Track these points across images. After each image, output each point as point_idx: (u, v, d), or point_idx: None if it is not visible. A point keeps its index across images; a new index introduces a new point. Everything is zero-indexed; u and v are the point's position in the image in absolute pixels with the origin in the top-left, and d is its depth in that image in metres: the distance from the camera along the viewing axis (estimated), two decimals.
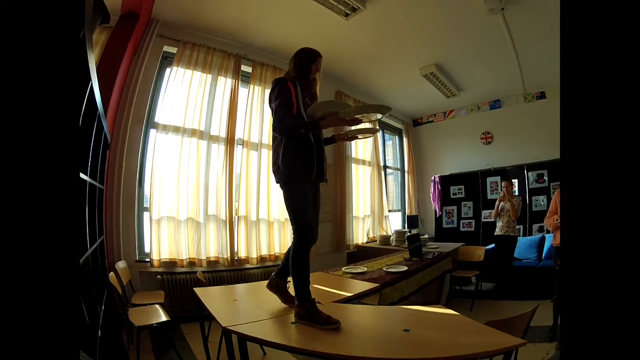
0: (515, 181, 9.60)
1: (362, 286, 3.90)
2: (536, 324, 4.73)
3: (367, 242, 8.95)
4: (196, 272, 5.26)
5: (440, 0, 5.96)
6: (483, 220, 9.98)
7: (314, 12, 5.84)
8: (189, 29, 6.07)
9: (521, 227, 9.04)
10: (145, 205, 5.62)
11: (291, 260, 2.83)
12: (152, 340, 4.59)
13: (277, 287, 3.11)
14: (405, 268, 4.81)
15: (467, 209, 10.43)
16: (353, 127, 3.16)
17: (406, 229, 8.92)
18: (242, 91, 6.58)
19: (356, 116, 2.90)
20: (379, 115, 3.10)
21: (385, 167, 10.64)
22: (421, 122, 11.82)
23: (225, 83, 6.33)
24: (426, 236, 8.51)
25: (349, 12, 5.91)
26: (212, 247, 5.99)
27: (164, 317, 3.91)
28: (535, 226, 8.78)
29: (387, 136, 11.14)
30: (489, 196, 9.94)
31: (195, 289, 3.64)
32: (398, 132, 11.42)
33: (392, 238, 8.45)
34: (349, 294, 3.57)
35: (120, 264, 4.88)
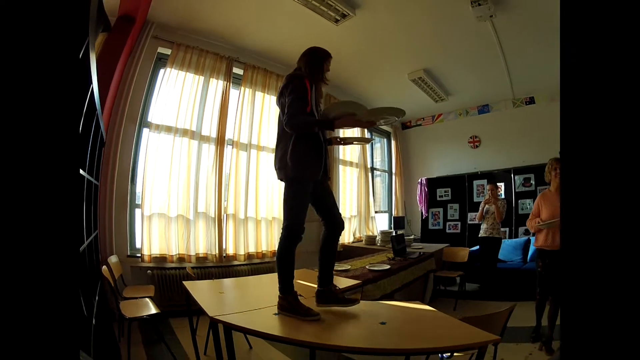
0: (501, 184, 9.83)
1: (345, 282, 4.04)
2: (519, 324, 4.96)
3: (353, 242, 9.10)
4: (185, 267, 5.45)
5: (429, 7, 6.07)
6: (469, 222, 10.18)
7: (304, 18, 5.99)
8: (183, 31, 6.21)
9: (507, 229, 9.27)
10: (137, 202, 5.80)
11: (277, 254, 2.97)
12: (142, 333, 4.73)
13: (331, 298, 3.04)
14: (387, 267, 5.05)
15: (453, 211, 10.66)
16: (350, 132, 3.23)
17: (392, 230, 9.05)
18: (233, 93, 6.76)
19: (372, 118, 3.05)
20: (395, 118, 3.24)
21: (373, 169, 10.85)
22: (410, 125, 12.01)
23: (217, 85, 6.50)
24: (412, 237, 8.67)
25: (339, 19, 6.05)
26: (201, 243, 6.16)
27: (153, 310, 4.03)
28: (521, 229, 8.92)
29: (375, 139, 11.35)
30: (475, 199, 10.14)
31: (184, 282, 3.78)
32: (387, 135, 11.63)
33: (377, 238, 8.60)
34: None
35: (113, 259, 5.05)
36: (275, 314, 2.78)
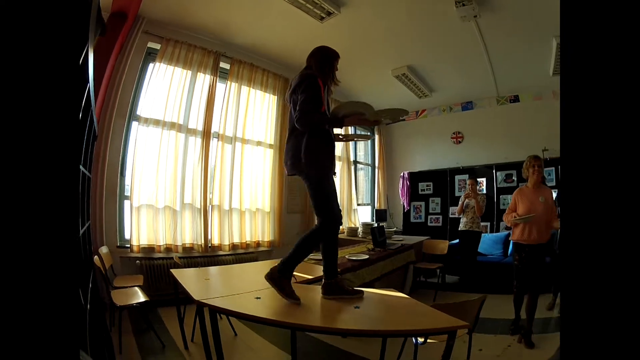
0: (483, 180, 10.20)
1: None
2: (498, 316, 5.38)
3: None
4: (172, 257, 5.69)
5: (413, 6, 6.27)
6: (450, 216, 10.50)
7: (290, 15, 6.18)
8: (173, 26, 6.39)
9: (488, 224, 9.64)
10: (126, 194, 5.98)
11: (303, 239, 3.08)
12: (132, 322, 4.91)
13: (337, 289, 3.14)
14: (366, 257, 5.33)
15: (435, 205, 10.99)
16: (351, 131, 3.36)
17: (374, 222, 9.25)
18: (220, 87, 6.97)
19: (378, 117, 3.24)
20: (399, 117, 3.45)
21: (356, 162, 11.14)
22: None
23: (204, 79, 6.71)
24: (393, 229, 8.92)
25: (324, 16, 6.23)
26: (188, 234, 6.38)
27: (143, 298, 4.27)
28: (502, 223, 9.10)
29: (359, 132, 11.41)
30: (457, 193, 10.42)
31: (171, 270, 3.95)
32: (370, 130, 11.76)
33: (359, 230, 8.89)
34: (310, 277, 3.95)
35: (103, 249, 5.24)
36: (356, 307, 2.85)
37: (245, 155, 7.35)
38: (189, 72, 6.50)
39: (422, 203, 11.17)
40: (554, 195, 6.18)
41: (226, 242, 6.82)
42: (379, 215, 10.33)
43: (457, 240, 7.97)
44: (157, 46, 6.24)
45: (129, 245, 5.84)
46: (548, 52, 7.89)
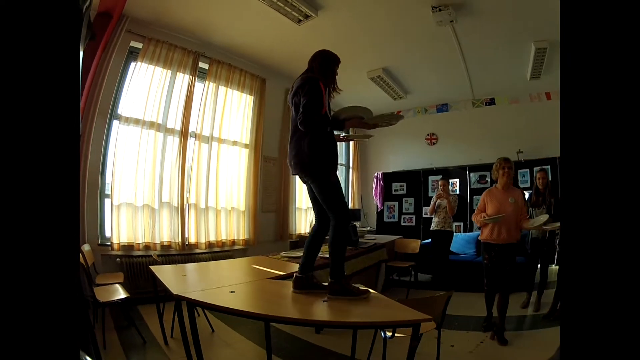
0: (457, 181, 10.59)
1: (296, 267, 4.29)
2: (471, 313, 5.65)
3: (309, 233, 9.30)
4: (151, 255, 5.84)
5: (390, 10, 6.47)
6: (424, 216, 10.76)
7: (268, 17, 6.36)
8: (155, 25, 6.56)
9: (461, 224, 10.04)
10: (106, 192, 6.10)
11: (333, 244, 3.17)
12: (114, 319, 5.04)
13: (306, 284, 3.24)
14: None
15: (408, 205, 11.31)
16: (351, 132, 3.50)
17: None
18: (198, 86, 7.14)
19: (376, 121, 3.42)
20: (394, 122, 3.61)
21: None
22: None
23: (183, 79, 6.87)
24: (367, 229, 9.10)
25: (302, 19, 6.44)
26: (166, 232, 6.54)
27: (124, 294, 4.39)
28: (475, 224, 9.36)
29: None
30: (430, 193, 10.67)
31: (150, 266, 4.13)
32: (345, 131, 11.88)
33: None
34: (283, 273, 4.09)
35: (85, 247, 5.35)
36: (324, 301, 2.95)
37: (222, 155, 7.53)
38: (169, 72, 6.65)
39: (396, 203, 11.47)
40: (527, 195, 6.46)
41: (202, 240, 7.00)
42: (353, 214, 10.44)
43: (429, 240, 8.15)
44: (140, 45, 6.37)
45: (109, 243, 5.97)
46: (526, 57, 8.21)
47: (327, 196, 3.16)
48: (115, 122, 6.18)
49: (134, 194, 6.15)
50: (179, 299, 2.93)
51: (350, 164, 12.18)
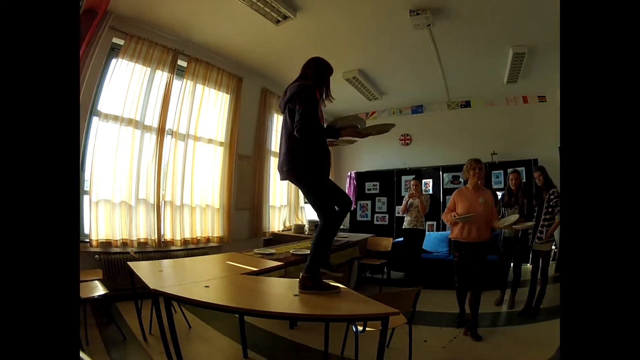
0: (429, 181, 10.89)
1: (269, 264, 4.58)
2: (444, 310, 5.87)
3: (283, 231, 9.81)
4: (129, 252, 5.88)
5: (367, 13, 6.63)
6: (396, 215, 11.03)
7: (248, 17, 6.47)
8: (137, 22, 6.62)
9: (434, 223, 10.32)
10: (85, 189, 6.10)
11: (319, 241, 3.25)
12: (94, 315, 5.12)
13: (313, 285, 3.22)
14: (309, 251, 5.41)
15: (381, 204, 11.58)
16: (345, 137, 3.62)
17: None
18: (176, 84, 7.23)
19: (368, 131, 3.51)
20: (388, 130, 3.73)
21: None
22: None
23: (161, 76, 6.94)
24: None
25: (280, 20, 6.57)
26: (142, 229, 6.62)
27: (103, 291, 4.49)
28: (446, 222, 9.55)
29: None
30: (403, 193, 10.90)
31: (128, 262, 4.17)
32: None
33: (306, 227, 9.41)
34: (256, 269, 4.17)
35: None
36: (295, 295, 3.05)
37: (197, 152, 7.65)
38: (149, 69, 6.71)
39: (369, 202, 11.73)
40: (499, 196, 6.66)
41: (178, 237, 7.10)
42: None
43: (402, 238, 8.42)
44: (121, 42, 6.42)
45: (88, 240, 6.00)
46: (503, 61, 8.46)
47: (317, 200, 3.28)
48: (95, 119, 6.22)
49: (112, 191, 6.21)
50: (156, 294, 3.03)
51: None
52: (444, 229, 9.65)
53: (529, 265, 6.13)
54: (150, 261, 4.76)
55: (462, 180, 9.76)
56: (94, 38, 5.95)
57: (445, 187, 10.65)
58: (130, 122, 6.41)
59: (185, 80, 7.35)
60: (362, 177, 11.88)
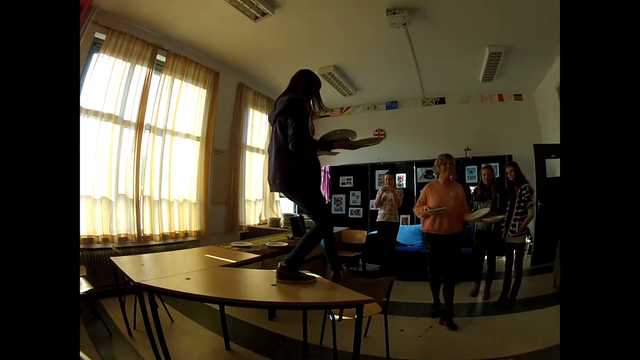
0: (403, 175, 11.18)
1: (246, 256, 4.69)
2: (420, 301, 6.05)
3: (259, 224, 9.93)
4: (110, 247, 5.99)
5: (344, 11, 6.76)
6: (370, 208, 11.32)
7: (226, 13, 6.55)
8: (119, 17, 6.64)
9: (408, 216, 10.53)
10: None
11: (308, 238, 3.38)
12: (80, 313, 5.05)
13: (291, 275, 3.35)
14: (286, 244, 5.75)
15: (355, 198, 11.80)
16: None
17: (296, 214, 9.59)
18: (154, 79, 7.25)
19: (358, 143, 3.64)
20: (374, 144, 4.02)
21: None
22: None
23: (140, 71, 6.97)
24: None
25: (259, 16, 6.69)
26: (122, 224, 6.66)
27: (87, 287, 4.46)
28: (417, 215, 9.73)
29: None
30: (377, 187, 11.19)
31: (111, 257, 4.27)
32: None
33: (281, 221, 9.49)
34: (234, 261, 4.30)
35: None
36: (273, 285, 3.16)
37: (174, 147, 7.70)
38: (128, 64, 6.74)
39: (343, 196, 11.96)
40: (472, 190, 6.83)
41: (157, 232, 7.16)
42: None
43: (376, 232, 8.58)
44: (103, 36, 6.42)
45: None
46: (479, 60, 8.72)
47: (313, 209, 3.41)
48: None
49: (93, 187, 6.22)
50: (139, 287, 3.14)
51: None
52: (418, 222, 9.67)
53: (503, 258, 6.30)
54: (131, 256, 4.73)
55: (436, 175, 10.02)
56: None
57: (418, 181, 10.91)
58: (110, 117, 6.42)
59: (163, 75, 7.40)
60: (336, 172, 12.09)
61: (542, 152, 8.79)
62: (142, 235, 6.85)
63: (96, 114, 6.26)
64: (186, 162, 7.97)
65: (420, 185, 10.44)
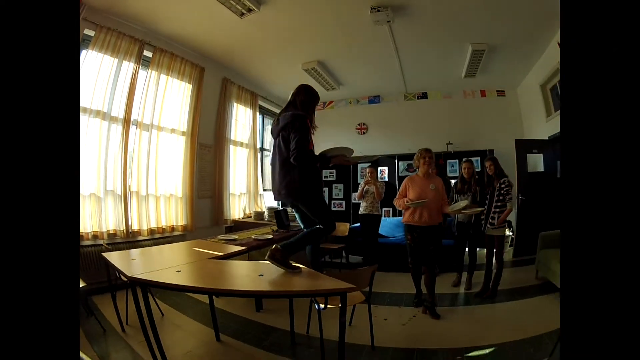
0: (385, 169, 11.40)
1: (233, 249, 4.82)
2: (403, 291, 6.22)
3: (243, 218, 10.04)
4: (99, 244, 6.06)
5: (329, 8, 6.90)
6: (353, 201, 11.48)
7: (213, 8, 6.64)
8: (108, 13, 6.67)
9: (390, 209, 10.81)
10: None
11: (310, 234, 3.72)
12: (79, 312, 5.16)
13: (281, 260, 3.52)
14: (271, 236, 5.88)
15: (338, 191, 12.00)
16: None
17: (279, 207, 9.71)
18: (141, 74, 7.31)
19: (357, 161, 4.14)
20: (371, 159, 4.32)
21: (262, 149, 11.78)
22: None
23: (128, 67, 6.99)
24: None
25: (245, 12, 6.80)
26: (111, 220, 6.71)
27: (80, 284, 4.54)
28: (397, 207, 9.91)
29: (267, 121, 12.20)
30: (359, 180, 11.33)
31: (103, 253, 4.31)
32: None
33: (265, 214, 9.57)
34: (222, 254, 4.43)
35: None
36: (260, 275, 3.32)
37: (160, 142, 7.74)
38: (116, 60, 6.75)
39: (326, 189, 12.03)
40: (452, 183, 7.04)
41: (145, 227, 7.23)
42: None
43: (358, 224, 8.75)
44: (92, 33, 6.44)
45: None
46: (462, 57, 8.94)
47: (317, 214, 3.73)
48: None
49: (82, 184, 6.24)
50: (132, 283, 3.27)
51: None
52: (400, 215, 9.81)
53: (484, 250, 6.45)
54: (120, 251, 4.81)
55: (416, 168, 10.21)
56: None
57: (400, 174, 11.11)
58: (97, 113, 6.44)
59: (150, 70, 7.43)
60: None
61: (523, 147, 9.00)
62: (130, 230, 6.91)
63: (84, 110, 6.27)
64: (172, 157, 8.00)
65: (402, 179, 10.30)
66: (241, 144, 10.27)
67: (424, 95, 11.61)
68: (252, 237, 5.80)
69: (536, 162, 9.05)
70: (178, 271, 3.45)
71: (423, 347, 4.31)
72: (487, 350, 4.12)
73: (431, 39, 8.03)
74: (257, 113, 10.87)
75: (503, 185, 5.96)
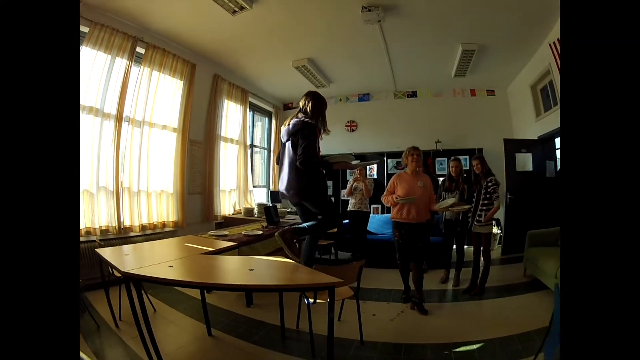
0: (374, 166, 11.46)
1: (224, 244, 4.87)
2: (391, 287, 6.30)
3: (233, 214, 10.07)
4: (92, 240, 6.04)
5: (321, 7, 6.99)
6: (342, 198, 11.37)
7: (205, 6, 6.69)
8: (102, 9, 6.67)
9: (379, 205, 10.94)
10: None
11: (319, 225, 4.14)
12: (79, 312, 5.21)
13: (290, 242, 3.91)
14: (260, 232, 6.03)
15: (327, 188, 11.35)
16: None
17: (270, 203, 9.74)
18: (134, 70, 7.32)
19: (356, 166, 4.67)
20: (373, 164, 4.59)
21: (252, 146, 11.83)
22: (291, 106, 12.96)
23: (120, 63, 7.00)
24: (288, 210, 9.67)
25: (237, 10, 6.85)
26: (104, 216, 6.77)
27: None
28: (385, 204, 9.97)
29: (257, 117, 12.27)
30: (348, 177, 11.39)
31: (96, 249, 4.27)
32: (268, 115, 12.63)
33: (255, 210, 9.69)
34: (213, 249, 4.50)
35: None
36: (250, 270, 3.39)
37: (152, 138, 7.78)
38: (109, 57, 6.76)
39: None
40: (440, 181, 7.15)
41: (136, 223, 7.28)
42: (275, 196, 11.05)
43: (347, 220, 8.74)
44: (86, 30, 6.43)
45: None
46: (452, 57, 9.06)
47: (324, 212, 4.23)
48: None
49: None
50: (127, 277, 3.29)
51: (272, 148, 12.61)
52: (388, 212, 9.90)
53: (470, 247, 6.59)
54: (113, 247, 4.82)
55: (404, 166, 10.29)
56: None
57: (389, 172, 11.22)
58: (90, 110, 6.46)
59: (142, 67, 7.46)
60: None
61: (512, 146, 9.12)
62: (122, 226, 6.95)
63: None
64: (163, 153, 8.04)
65: (391, 176, 10.49)
66: (231, 141, 10.30)
67: (413, 94, 11.70)
68: (242, 233, 5.91)
69: (525, 161, 9.15)
70: (171, 266, 3.50)
71: (411, 342, 4.37)
72: (474, 346, 4.19)
73: (421, 39, 8.12)
74: (248, 110, 10.91)
75: (490, 184, 6.09)
